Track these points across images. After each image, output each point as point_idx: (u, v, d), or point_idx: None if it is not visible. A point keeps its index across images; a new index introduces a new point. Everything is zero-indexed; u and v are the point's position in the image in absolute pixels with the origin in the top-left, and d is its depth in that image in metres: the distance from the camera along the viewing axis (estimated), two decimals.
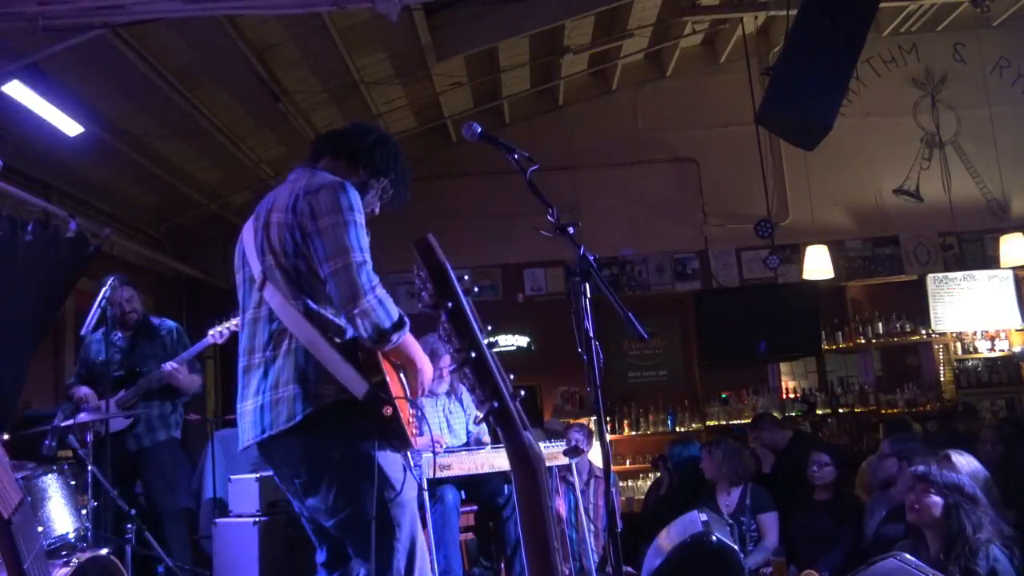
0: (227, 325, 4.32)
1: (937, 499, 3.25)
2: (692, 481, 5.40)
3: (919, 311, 7.61)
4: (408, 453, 2.42)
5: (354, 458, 2.22)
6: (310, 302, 2.26)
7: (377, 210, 2.64)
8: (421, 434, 4.37)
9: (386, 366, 2.30)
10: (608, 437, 2.50)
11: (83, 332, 4.27)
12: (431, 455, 4.13)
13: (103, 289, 4.24)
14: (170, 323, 4.76)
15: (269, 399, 2.24)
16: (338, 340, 2.25)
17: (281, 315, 2.27)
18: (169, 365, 4.41)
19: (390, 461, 2.29)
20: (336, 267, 2.19)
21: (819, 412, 7.97)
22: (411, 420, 2.36)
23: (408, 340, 2.32)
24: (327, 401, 2.20)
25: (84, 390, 4.46)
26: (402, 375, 2.43)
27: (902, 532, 3.74)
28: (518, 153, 2.41)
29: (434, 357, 4.44)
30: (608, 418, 7.53)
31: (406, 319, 2.27)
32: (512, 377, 1.62)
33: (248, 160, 6.18)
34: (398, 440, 2.28)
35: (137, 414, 4.42)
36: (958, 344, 7.66)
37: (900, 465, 4.27)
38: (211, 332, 4.38)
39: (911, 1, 7.00)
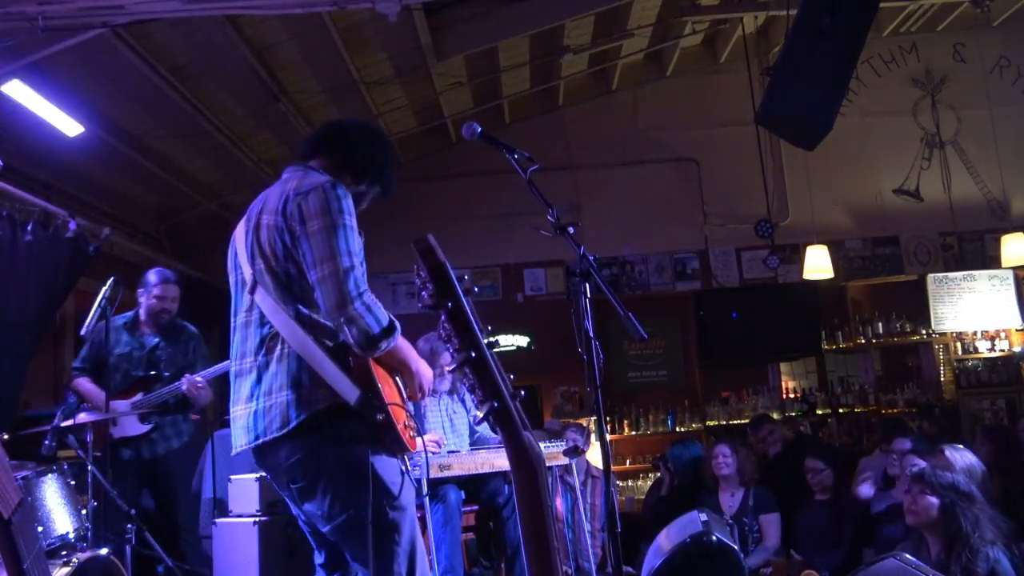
0: None
1: (933, 500, 3.24)
2: (692, 481, 5.40)
3: (919, 311, 7.60)
4: (405, 457, 2.39)
5: (349, 463, 2.19)
6: (301, 307, 2.23)
7: (364, 205, 2.61)
8: (423, 434, 4.34)
9: (380, 370, 2.28)
10: (608, 437, 2.50)
11: (82, 332, 4.22)
12: (431, 455, 4.13)
13: (103, 288, 4.18)
14: (192, 328, 4.63)
15: (263, 405, 2.22)
16: (330, 344, 2.21)
17: (272, 319, 2.24)
18: (189, 381, 4.24)
19: (387, 466, 2.25)
20: (323, 274, 2.15)
21: (819, 412, 7.96)
22: (407, 424, 2.34)
23: (401, 344, 2.29)
24: (321, 407, 2.17)
25: (91, 388, 4.32)
26: (397, 378, 2.41)
27: (901, 533, 3.74)
28: (518, 153, 2.41)
29: (434, 356, 4.45)
30: (608, 418, 7.53)
31: (396, 324, 2.23)
32: (512, 377, 1.62)
33: (248, 160, 6.18)
34: (393, 444, 2.25)
35: (151, 418, 4.31)
36: (958, 344, 7.66)
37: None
38: None
39: (911, 1, 7.00)
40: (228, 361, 4.32)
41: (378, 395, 2.17)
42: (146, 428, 4.30)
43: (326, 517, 2.23)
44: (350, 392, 2.16)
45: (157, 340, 4.46)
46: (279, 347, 2.23)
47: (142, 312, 4.48)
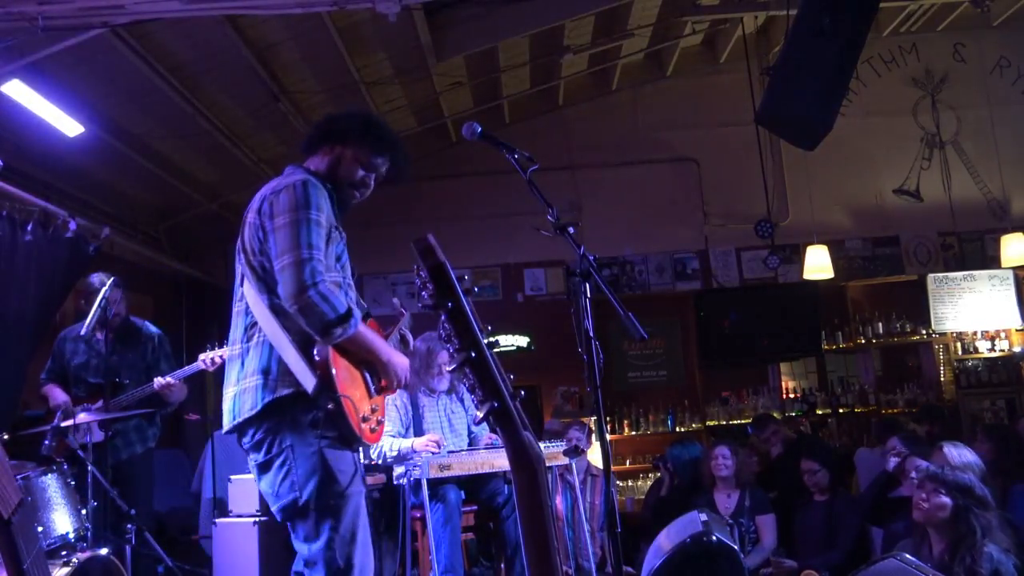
0: (219, 352, 4.17)
1: (946, 500, 3.22)
2: (692, 481, 5.40)
3: (919, 311, 7.60)
4: (360, 449, 2.51)
5: (303, 448, 2.34)
6: (274, 298, 2.36)
7: (373, 182, 2.64)
8: (422, 434, 4.33)
9: (346, 362, 2.40)
10: (608, 437, 2.50)
11: (82, 333, 4.20)
12: (431, 455, 4.13)
13: (103, 289, 4.17)
14: (152, 328, 4.59)
15: (240, 388, 2.39)
16: (298, 335, 2.34)
17: (254, 310, 2.40)
18: (160, 381, 4.22)
19: (338, 455, 2.38)
20: (282, 264, 2.30)
21: (819, 412, 7.97)
22: (368, 417, 2.45)
23: (362, 334, 2.41)
24: (285, 393, 2.32)
25: (61, 396, 4.30)
26: (367, 373, 2.51)
27: (905, 529, 3.74)
28: (518, 153, 2.43)
29: (432, 356, 4.45)
30: (608, 418, 7.53)
31: (355, 312, 2.34)
32: (512, 377, 1.62)
33: (248, 160, 6.18)
34: (347, 435, 2.37)
35: (115, 423, 4.23)
36: (958, 344, 7.65)
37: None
38: (202, 357, 4.25)
39: (911, 1, 7.00)
40: (191, 366, 4.35)
41: (331, 386, 2.29)
42: (104, 435, 4.18)
43: (275, 495, 2.38)
44: (308, 381, 2.29)
45: (110, 346, 4.39)
46: (257, 335, 2.40)
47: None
